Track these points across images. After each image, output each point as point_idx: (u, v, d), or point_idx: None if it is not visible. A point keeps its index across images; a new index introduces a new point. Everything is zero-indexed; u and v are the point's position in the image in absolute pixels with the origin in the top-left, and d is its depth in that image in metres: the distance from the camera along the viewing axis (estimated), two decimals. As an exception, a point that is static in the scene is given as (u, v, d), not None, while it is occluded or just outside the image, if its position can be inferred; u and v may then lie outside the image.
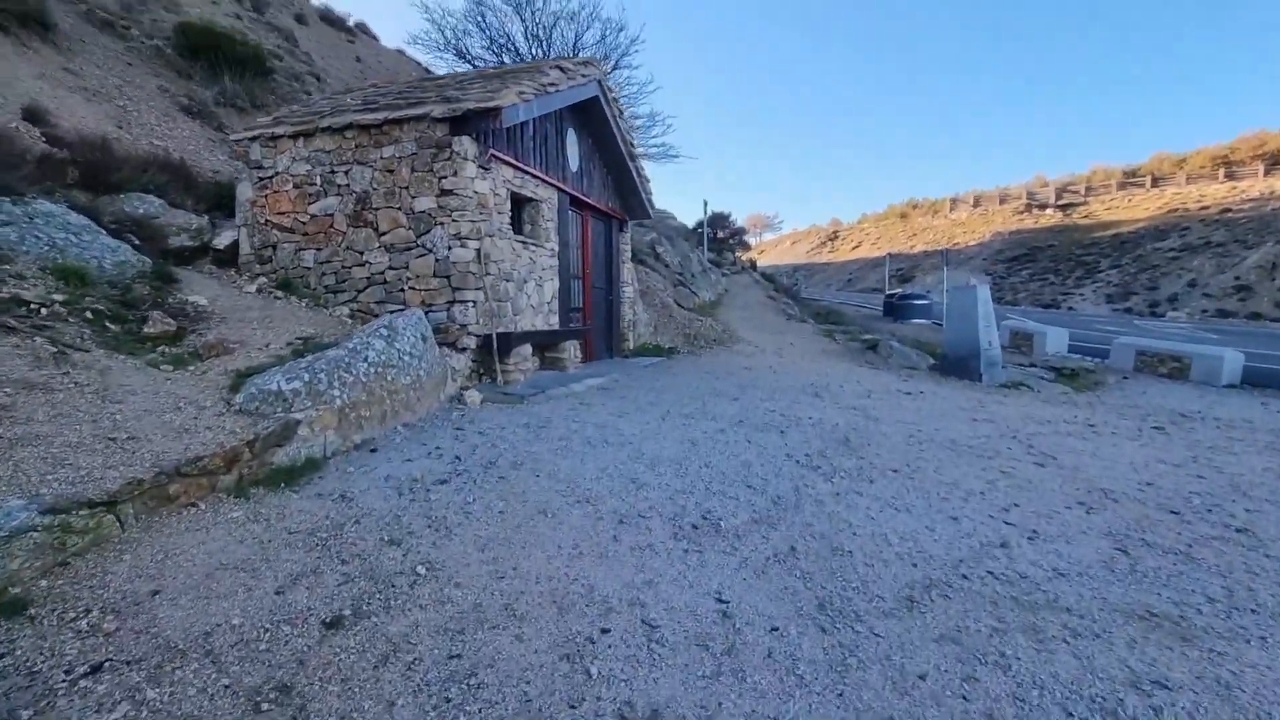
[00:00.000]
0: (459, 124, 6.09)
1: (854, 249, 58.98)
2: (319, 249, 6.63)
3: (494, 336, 6.26)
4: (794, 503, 3.71)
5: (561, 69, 7.31)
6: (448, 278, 6.23)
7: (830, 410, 6.55)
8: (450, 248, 6.16)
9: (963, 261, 42.00)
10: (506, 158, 6.90)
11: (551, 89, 6.96)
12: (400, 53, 23.15)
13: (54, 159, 6.32)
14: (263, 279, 6.52)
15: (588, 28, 19.40)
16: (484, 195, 6.43)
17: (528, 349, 6.81)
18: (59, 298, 4.45)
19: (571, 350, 8.02)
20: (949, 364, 10.17)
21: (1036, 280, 37.27)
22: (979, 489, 4.12)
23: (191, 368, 4.24)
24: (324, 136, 6.56)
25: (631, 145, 9.95)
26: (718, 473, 4.18)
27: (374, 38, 23.65)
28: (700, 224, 28.57)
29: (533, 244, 7.65)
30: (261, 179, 6.83)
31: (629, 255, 11.31)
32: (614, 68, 20.31)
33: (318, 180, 6.60)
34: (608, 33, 19.70)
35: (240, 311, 5.59)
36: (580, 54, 19.90)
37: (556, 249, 8.31)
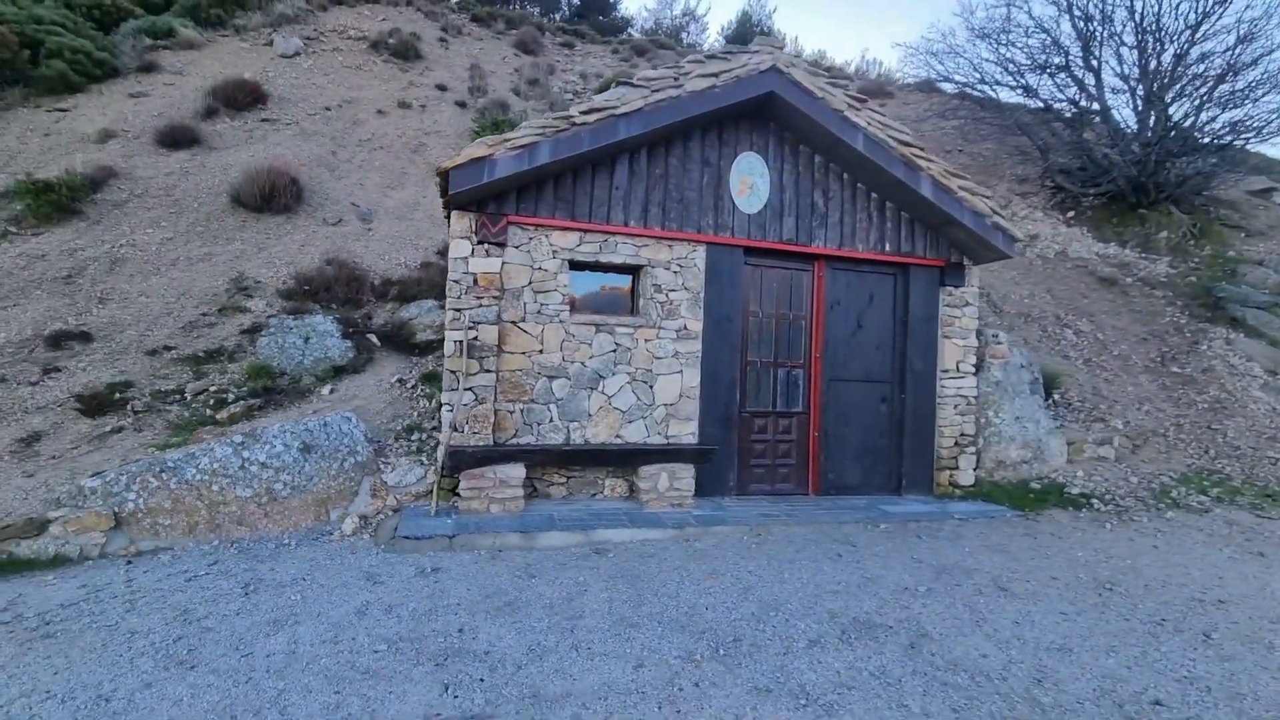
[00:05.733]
0: (455, 195, 5.26)
1: None
2: (452, 341, 6.87)
3: (441, 450, 4.98)
4: None
5: (634, 84, 5.20)
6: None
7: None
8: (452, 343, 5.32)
9: None
10: (553, 221, 5.42)
11: (591, 119, 5.06)
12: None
13: (389, 281, 8.93)
14: (427, 369, 7.26)
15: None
16: (490, 275, 5.26)
17: (514, 471, 5.03)
18: (207, 386, 6.32)
19: (664, 479, 5.38)
20: None
21: None
22: None
23: (178, 440, 5.22)
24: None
25: (904, 144, 5.88)
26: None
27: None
28: None
29: (626, 326, 5.64)
30: (457, 279, 7.64)
31: (970, 323, 6.60)
32: None
33: (456, 276, 6.88)
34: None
35: (340, 402, 6.44)
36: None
37: (700, 328, 5.81)
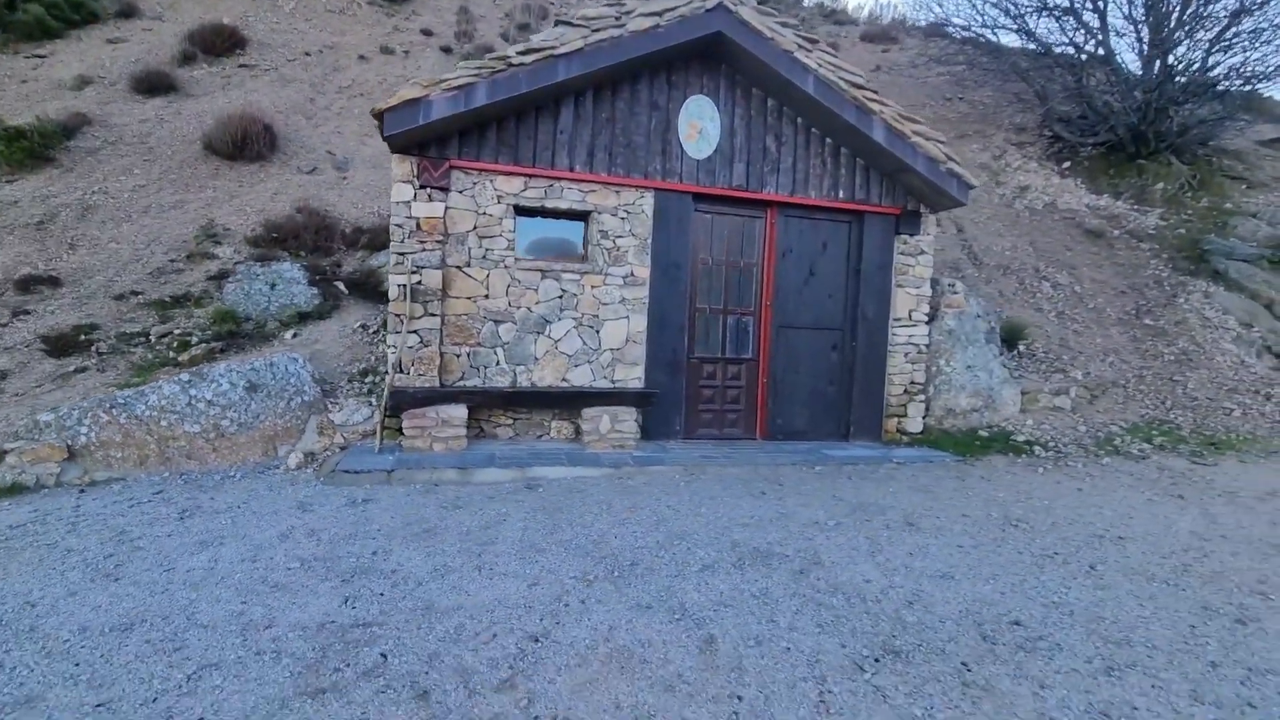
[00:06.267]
0: (391, 138, 5.27)
1: None
2: (412, 288, 6.97)
3: (385, 391, 5.14)
4: None
5: (573, 24, 5.12)
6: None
7: None
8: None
9: None
10: (496, 165, 5.43)
11: (528, 59, 5.02)
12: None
13: (360, 230, 8.98)
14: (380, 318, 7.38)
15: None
16: (432, 219, 5.32)
17: (456, 412, 5.20)
18: (171, 329, 6.49)
19: (606, 421, 5.53)
20: None
21: None
22: None
23: (139, 380, 5.42)
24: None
25: (856, 87, 5.78)
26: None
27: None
28: None
29: (572, 272, 5.71)
30: (421, 227, 7.68)
31: (924, 272, 6.60)
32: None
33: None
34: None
35: (301, 346, 6.60)
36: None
37: (647, 275, 5.86)
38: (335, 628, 2.80)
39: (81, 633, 2.72)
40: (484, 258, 5.49)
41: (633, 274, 5.81)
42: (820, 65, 5.65)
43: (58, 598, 2.99)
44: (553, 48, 5.04)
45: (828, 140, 6.22)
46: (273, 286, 7.41)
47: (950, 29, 16.36)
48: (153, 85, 10.97)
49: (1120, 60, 13.66)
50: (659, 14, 5.25)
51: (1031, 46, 14.25)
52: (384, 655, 2.62)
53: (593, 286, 5.74)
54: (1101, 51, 13.69)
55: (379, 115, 4.89)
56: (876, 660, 2.70)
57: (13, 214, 7.73)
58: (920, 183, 6.18)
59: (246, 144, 9.57)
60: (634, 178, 5.73)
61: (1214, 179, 13.12)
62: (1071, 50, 13.80)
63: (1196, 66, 12.66)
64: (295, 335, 6.82)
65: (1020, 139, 14.31)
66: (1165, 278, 10.14)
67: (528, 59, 5.00)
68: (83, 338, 6.11)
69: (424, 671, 2.53)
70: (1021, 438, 6.41)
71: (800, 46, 5.58)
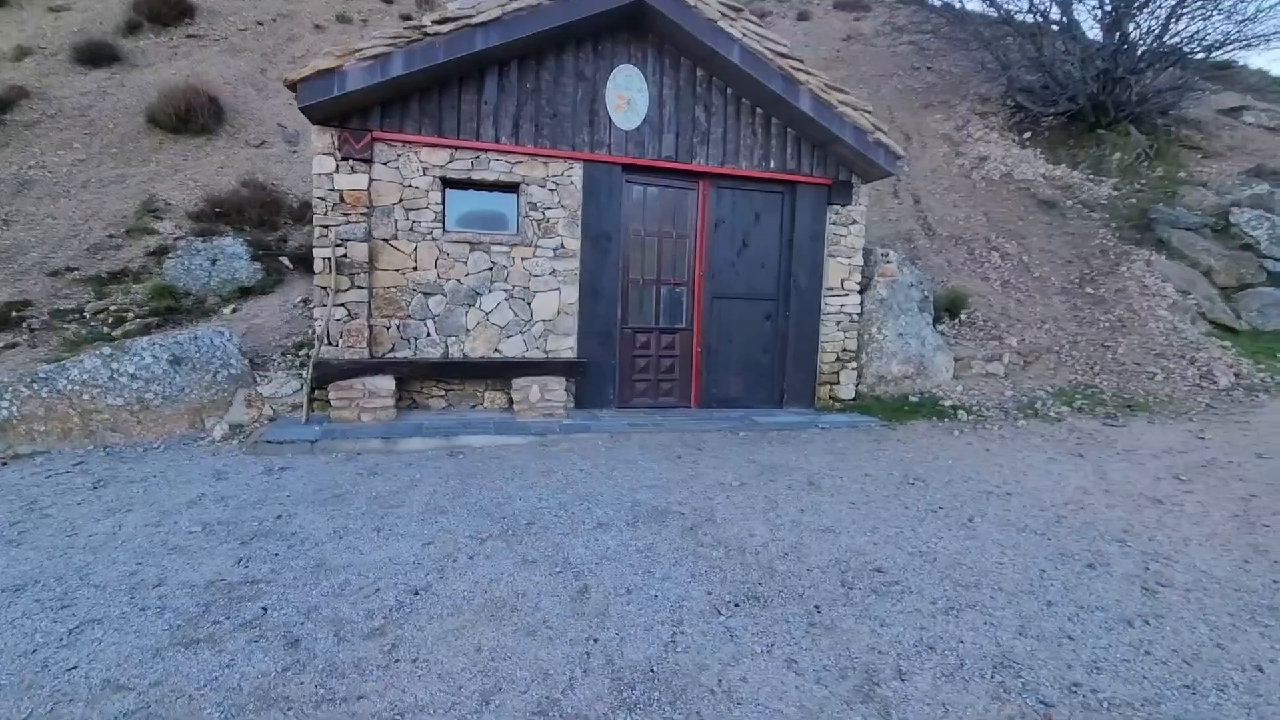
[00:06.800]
0: (308, 109, 5.24)
1: None
2: (352, 262, 6.98)
3: (310, 364, 5.21)
4: None
5: (491, -10, 5.10)
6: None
7: None
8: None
9: None
10: (420, 137, 5.43)
11: (445, 28, 4.99)
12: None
13: (308, 205, 8.92)
14: (326, 290, 7.40)
15: None
16: (356, 192, 5.33)
17: (383, 383, 5.28)
18: (108, 305, 6.49)
19: (535, 391, 5.64)
20: None
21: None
22: None
23: (69, 356, 5.45)
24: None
25: (782, 56, 5.80)
26: None
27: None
28: None
29: (501, 245, 5.75)
30: (363, 200, 7.65)
31: (856, 241, 6.71)
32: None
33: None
34: None
35: (240, 321, 6.62)
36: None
37: (577, 247, 5.92)
38: (223, 585, 2.92)
39: (-27, 594, 2.82)
40: (411, 230, 5.53)
41: (563, 246, 5.87)
42: (745, 34, 5.66)
43: (-44, 563, 3.08)
44: (470, 16, 5.01)
45: (758, 111, 6.26)
46: (214, 262, 7.39)
47: (918, -4, 16.27)
48: (95, 56, 10.71)
49: (1081, 28, 13.69)
50: (581, -19, 5.23)
51: (994, 14, 14.23)
52: (265, 609, 2.75)
53: (523, 259, 5.80)
54: (1065, 19, 13.70)
55: (292, 86, 4.87)
56: (736, 605, 2.87)
57: (-55, 190, 7.61)
58: (849, 153, 6.25)
59: (191, 116, 9.42)
60: (561, 149, 5.76)
61: (1170, 148, 13.27)
62: (1034, 18, 13.79)
63: (1156, 34, 12.71)
64: (235, 310, 6.84)
65: (984, 109, 14.33)
66: (1111, 247, 10.32)
67: (444, 28, 4.98)
68: (15, 314, 6.10)
69: (300, 622, 2.66)
70: (949, 403, 6.60)
71: (724, 15, 5.59)
